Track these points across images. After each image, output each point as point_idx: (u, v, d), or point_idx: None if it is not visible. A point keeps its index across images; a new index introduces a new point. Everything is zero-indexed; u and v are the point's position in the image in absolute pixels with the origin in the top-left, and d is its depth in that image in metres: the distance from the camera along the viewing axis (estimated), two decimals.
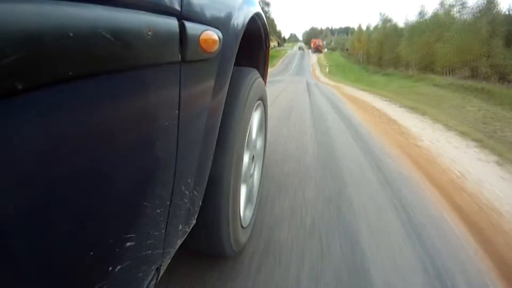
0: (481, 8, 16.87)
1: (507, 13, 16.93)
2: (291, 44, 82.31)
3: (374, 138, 2.60)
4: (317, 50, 51.39)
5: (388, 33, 27.31)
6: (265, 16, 1.00)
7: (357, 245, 1.01)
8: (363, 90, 8.64)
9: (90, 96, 0.27)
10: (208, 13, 0.50)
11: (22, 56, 0.20)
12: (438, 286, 0.89)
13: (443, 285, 0.89)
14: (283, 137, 2.30)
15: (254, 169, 1.01)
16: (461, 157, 2.28)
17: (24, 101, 0.21)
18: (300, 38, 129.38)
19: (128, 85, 0.32)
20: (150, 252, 0.41)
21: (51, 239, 0.26)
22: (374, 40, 29.95)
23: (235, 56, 0.64)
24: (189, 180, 0.50)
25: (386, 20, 29.93)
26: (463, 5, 18.58)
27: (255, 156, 1.00)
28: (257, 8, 0.87)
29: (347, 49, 45.98)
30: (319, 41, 56.35)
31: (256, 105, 0.89)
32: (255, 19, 0.86)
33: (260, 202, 1.20)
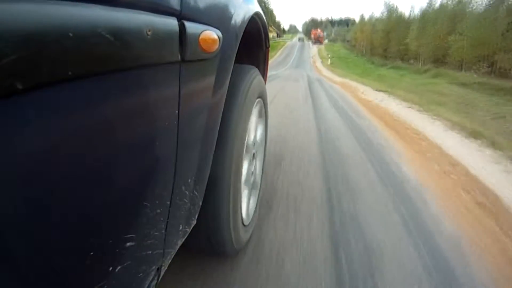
0: None
1: None
2: (290, 35, 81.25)
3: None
4: (318, 41, 50.72)
5: (394, 23, 25.97)
6: (264, 6, 1.00)
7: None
8: (378, 90, 6.31)
9: (90, 96, 0.27)
10: (208, 13, 0.50)
11: (22, 56, 0.20)
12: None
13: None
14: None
15: (255, 166, 1.00)
16: None
17: (23, 101, 0.21)
18: (300, 29, 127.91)
19: (128, 85, 0.32)
20: (150, 252, 0.41)
21: (51, 239, 0.26)
22: (379, 30, 28.54)
23: (235, 56, 0.64)
24: (189, 180, 0.50)
25: (392, 10, 28.56)
26: None
27: (256, 153, 1.00)
28: (257, 8, 0.87)
29: (348, 41, 45.33)
30: (319, 32, 55.56)
31: (256, 102, 0.89)
32: (254, 18, 0.86)
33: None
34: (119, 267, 0.35)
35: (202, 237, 0.72)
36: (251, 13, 0.77)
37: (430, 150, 2.20)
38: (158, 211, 0.41)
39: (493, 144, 2.40)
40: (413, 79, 14.03)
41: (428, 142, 2.43)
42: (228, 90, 0.64)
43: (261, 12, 0.94)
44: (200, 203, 0.59)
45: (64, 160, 0.26)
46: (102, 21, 0.27)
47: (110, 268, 0.34)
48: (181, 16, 0.40)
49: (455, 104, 7.23)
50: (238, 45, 0.66)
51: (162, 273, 0.48)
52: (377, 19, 32.11)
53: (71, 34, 0.23)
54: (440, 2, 21.31)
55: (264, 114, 1.08)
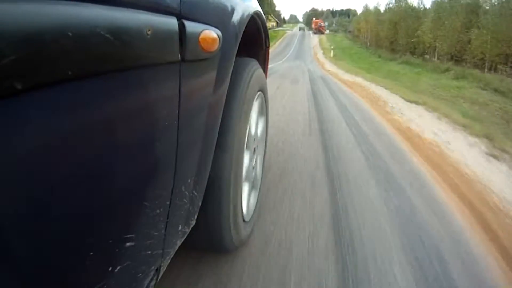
0: None
1: None
2: (291, 25, 79.91)
3: None
4: (319, 31, 49.99)
5: (403, 13, 23.19)
6: None
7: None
8: (410, 101, 4.21)
9: (90, 96, 0.27)
10: (208, 12, 0.50)
11: (22, 56, 0.20)
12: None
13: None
14: None
15: (256, 161, 1.00)
16: None
17: (23, 101, 0.21)
18: (300, 19, 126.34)
19: (128, 84, 0.32)
20: (149, 252, 0.41)
21: (51, 239, 0.26)
22: (386, 21, 25.74)
23: (235, 55, 0.64)
24: (188, 181, 0.50)
25: None
26: None
27: (256, 148, 0.99)
28: (257, 7, 0.86)
29: (349, 31, 44.62)
30: (320, 22, 54.81)
31: (256, 96, 0.87)
32: (254, 18, 0.86)
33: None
34: (118, 267, 0.35)
35: (202, 234, 0.72)
36: (251, 12, 0.77)
37: None
38: (158, 211, 0.41)
39: None
40: (434, 80, 11.61)
41: None
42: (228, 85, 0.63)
43: (261, 11, 0.93)
44: (200, 204, 0.59)
45: (64, 160, 0.26)
46: (102, 20, 0.27)
47: (110, 268, 0.34)
48: (181, 16, 0.40)
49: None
50: (238, 44, 0.65)
51: (161, 273, 0.48)
52: (384, 9, 29.45)
53: (70, 34, 0.23)
54: None
55: (265, 108, 1.07)
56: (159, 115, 0.38)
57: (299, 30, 53.99)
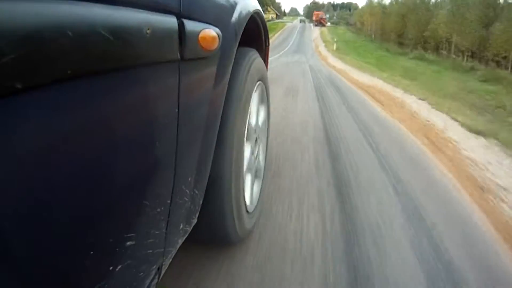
0: None
1: None
2: (291, 18, 79.03)
3: None
4: (320, 23, 49.31)
5: (412, 4, 21.49)
6: None
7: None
8: (474, 131, 2.32)
9: (89, 95, 0.27)
10: (207, 11, 0.50)
11: (21, 55, 0.20)
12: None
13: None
14: None
15: (258, 151, 0.99)
16: None
17: (23, 101, 0.21)
18: (301, 12, 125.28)
19: (128, 83, 0.32)
20: (151, 251, 0.42)
21: (51, 239, 0.26)
22: (393, 13, 24.09)
23: (234, 54, 0.64)
24: (189, 179, 0.51)
25: None
26: None
27: (258, 138, 0.98)
28: (257, 6, 0.86)
29: (351, 24, 44.00)
30: (322, 14, 54.13)
31: (256, 86, 0.86)
32: (254, 17, 0.86)
33: None
34: (119, 266, 0.35)
35: (206, 229, 0.71)
36: (251, 11, 0.76)
37: None
38: (159, 210, 0.42)
39: None
40: (459, 81, 9.61)
41: None
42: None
43: (261, 10, 0.93)
44: (201, 202, 0.59)
45: (64, 159, 0.26)
46: (102, 19, 0.27)
47: (111, 268, 0.34)
48: (180, 15, 0.40)
49: None
50: (238, 43, 0.65)
51: (162, 272, 0.49)
52: (391, 0, 27.95)
53: (70, 33, 0.23)
54: None
55: (265, 98, 1.06)
56: (158, 114, 0.38)
57: (300, 22, 53.36)
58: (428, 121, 2.66)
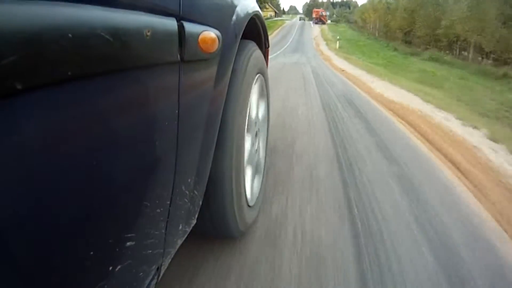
0: None
1: None
2: (290, 16, 78.71)
3: None
4: (320, 20, 48.76)
5: (422, 0, 19.15)
6: None
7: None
8: None
9: (89, 97, 0.27)
10: (207, 13, 0.50)
11: (22, 56, 0.20)
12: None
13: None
14: None
15: (258, 144, 0.98)
16: None
17: (23, 101, 0.21)
18: (300, 10, 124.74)
19: (128, 85, 0.32)
20: (150, 252, 0.42)
21: (51, 239, 0.26)
22: (399, 9, 21.96)
23: (234, 56, 0.64)
24: (189, 180, 0.51)
25: None
26: None
27: (258, 131, 0.97)
28: (256, 7, 0.86)
29: (352, 22, 43.68)
30: (322, 11, 53.69)
31: (255, 78, 0.86)
32: (254, 19, 0.86)
33: None
34: (119, 267, 0.35)
35: (207, 224, 0.71)
36: (250, 13, 0.77)
37: None
38: (158, 210, 0.42)
39: None
40: (495, 93, 7.92)
41: None
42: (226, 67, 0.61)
43: (261, 12, 0.93)
44: (200, 203, 0.60)
45: (64, 159, 0.26)
46: (102, 22, 0.27)
47: (110, 268, 0.34)
48: (180, 17, 0.40)
49: None
50: (237, 45, 0.66)
51: (162, 273, 0.49)
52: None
53: (70, 35, 0.24)
54: None
55: (265, 91, 1.05)
56: (158, 116, 0.38)
57: (299, 20, 53.02)
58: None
